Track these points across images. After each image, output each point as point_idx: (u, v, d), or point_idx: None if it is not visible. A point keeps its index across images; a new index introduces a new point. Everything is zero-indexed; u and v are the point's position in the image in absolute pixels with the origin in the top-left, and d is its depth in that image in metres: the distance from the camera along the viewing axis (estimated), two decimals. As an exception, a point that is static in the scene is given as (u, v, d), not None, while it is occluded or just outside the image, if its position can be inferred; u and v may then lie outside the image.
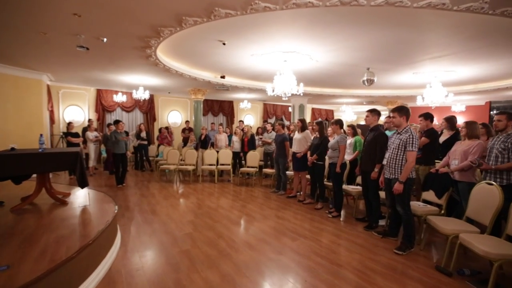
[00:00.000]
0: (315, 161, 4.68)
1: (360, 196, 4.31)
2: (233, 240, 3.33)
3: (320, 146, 4.65)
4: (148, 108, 11.34)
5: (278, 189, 5.89)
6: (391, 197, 3.27)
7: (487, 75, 7.37)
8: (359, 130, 5.38)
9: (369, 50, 5.30)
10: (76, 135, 7.29)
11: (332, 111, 17.88)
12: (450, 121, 4.71)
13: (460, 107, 11.18)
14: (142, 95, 7.66)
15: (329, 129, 4.97)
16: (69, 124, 7.42)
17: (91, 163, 7.62)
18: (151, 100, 11.29)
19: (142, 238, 3.31)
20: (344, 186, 4.42)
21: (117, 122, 6.25)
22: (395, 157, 3.12)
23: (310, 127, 5.89)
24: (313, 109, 16.35)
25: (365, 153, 3.77)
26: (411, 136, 3.00)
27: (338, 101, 12.16)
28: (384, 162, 3.28)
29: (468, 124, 3.57)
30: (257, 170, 6.82)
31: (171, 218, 4.14)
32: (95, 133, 7.62)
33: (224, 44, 4.92)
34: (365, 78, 6.68)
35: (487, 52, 5.29)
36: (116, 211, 3.13)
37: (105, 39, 4.35)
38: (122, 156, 6.22)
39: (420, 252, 3.08)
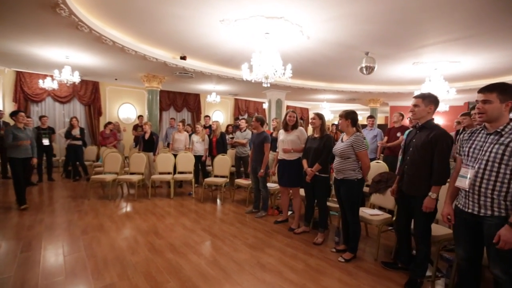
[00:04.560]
0: (317, 173, 3.16)
1: (384, 226, 2.90)
2: None
3: (323, 150, 3.15)
4: (91, 99, 9.05)
5: (257, 209, 4.30)
6: (473, 246, 1.79)
7: (490, 68, 6.45)
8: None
9: (375, 22, 3.94)
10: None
11: (307, 110, 16.78)
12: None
13: (444, 107, 10.52)
14: (68, 77, 5.54)
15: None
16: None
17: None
18: (95, 89, 9.06)
19: None
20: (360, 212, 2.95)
21: (15, 113, 4.25)
22: (494, 176, 1.63)
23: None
24: (287, 107, 15.05)
25: (411, 166, 2.27)
26: None
27: (318, 97, 10.92)
28: (465, 184, 1.78)
29: None
30: (227, 180, 5.16)
31: (75, 277, 2.33)
32: None
33: (178, -7, 3.21)
34: (363, 65, 5.40)
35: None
36: None
37: None
38: (25, 162, 4.27)
39: None
